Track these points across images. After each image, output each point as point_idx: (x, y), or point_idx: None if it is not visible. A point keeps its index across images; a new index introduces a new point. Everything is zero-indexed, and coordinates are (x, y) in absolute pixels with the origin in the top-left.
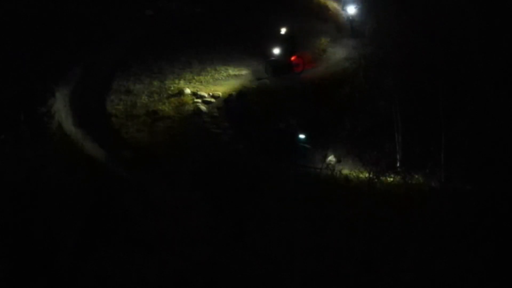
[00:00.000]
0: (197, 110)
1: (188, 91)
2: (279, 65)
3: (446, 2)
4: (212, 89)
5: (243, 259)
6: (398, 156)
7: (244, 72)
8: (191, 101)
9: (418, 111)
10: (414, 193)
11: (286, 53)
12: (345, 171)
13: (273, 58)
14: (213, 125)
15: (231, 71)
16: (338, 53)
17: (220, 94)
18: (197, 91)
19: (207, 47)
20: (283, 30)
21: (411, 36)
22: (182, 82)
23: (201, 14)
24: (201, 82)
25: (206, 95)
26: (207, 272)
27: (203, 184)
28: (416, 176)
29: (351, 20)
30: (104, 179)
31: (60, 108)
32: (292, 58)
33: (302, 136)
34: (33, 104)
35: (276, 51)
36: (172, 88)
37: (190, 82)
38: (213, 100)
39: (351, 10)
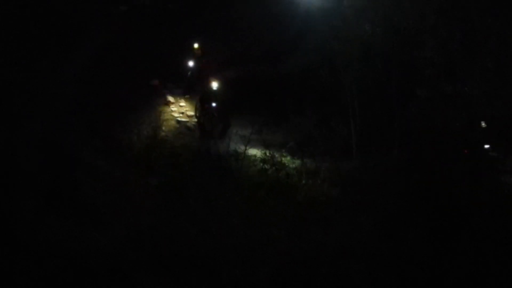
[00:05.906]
0: (165, 101)
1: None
2: None
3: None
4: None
5: (183, 229)
6: (353, 141)
7: None
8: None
9: (374, 100)
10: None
11: None
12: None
13: None
14: (179, 113)
15: None
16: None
17: None
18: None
19: (177, 41)
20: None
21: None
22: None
23: (174, 10)
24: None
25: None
26: (150, 238)
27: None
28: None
29: None
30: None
31: None
32: None
33: None
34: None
35: None
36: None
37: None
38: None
39: None
